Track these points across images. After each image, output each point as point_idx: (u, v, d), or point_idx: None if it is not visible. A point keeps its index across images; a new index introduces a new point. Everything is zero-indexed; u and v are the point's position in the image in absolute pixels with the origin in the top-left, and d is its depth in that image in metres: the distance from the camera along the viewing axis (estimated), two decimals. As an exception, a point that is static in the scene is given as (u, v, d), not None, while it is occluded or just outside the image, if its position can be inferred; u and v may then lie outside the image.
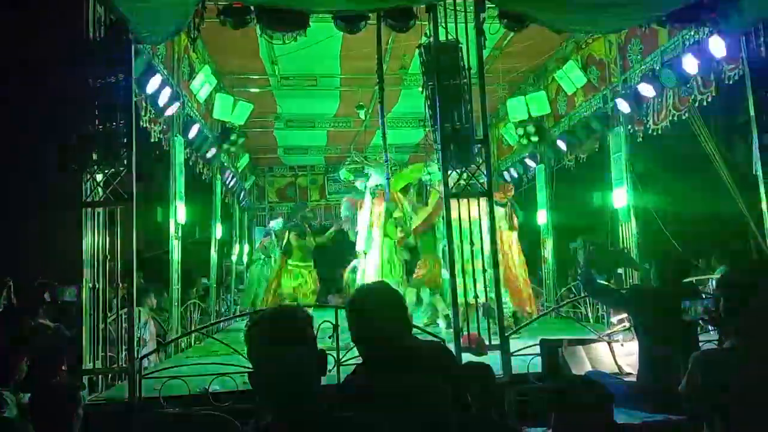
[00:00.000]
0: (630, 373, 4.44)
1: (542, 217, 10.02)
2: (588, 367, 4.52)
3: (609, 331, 5.37)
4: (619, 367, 4.63)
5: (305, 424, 1.48)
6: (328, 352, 1.87)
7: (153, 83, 6.13)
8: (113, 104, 4.74)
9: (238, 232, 12.68)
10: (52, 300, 6.80)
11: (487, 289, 5.11)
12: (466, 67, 5.15)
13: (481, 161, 5.14)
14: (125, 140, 4.73)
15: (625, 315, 5.34)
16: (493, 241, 5.27)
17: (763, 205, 5.33)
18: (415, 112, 10.37)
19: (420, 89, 5.55)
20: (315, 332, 1.67)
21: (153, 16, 4.83)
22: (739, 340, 2.45)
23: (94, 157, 4.72)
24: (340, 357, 4.55)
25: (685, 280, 4.56)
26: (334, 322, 4.78)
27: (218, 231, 9.88)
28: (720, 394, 2.35)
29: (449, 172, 5.08)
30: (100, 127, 4.71)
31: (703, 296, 4.83)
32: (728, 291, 2.55)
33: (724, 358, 2.49)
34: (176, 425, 4.03)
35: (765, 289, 2.45)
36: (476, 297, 4.84)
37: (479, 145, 5.15)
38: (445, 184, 5.07)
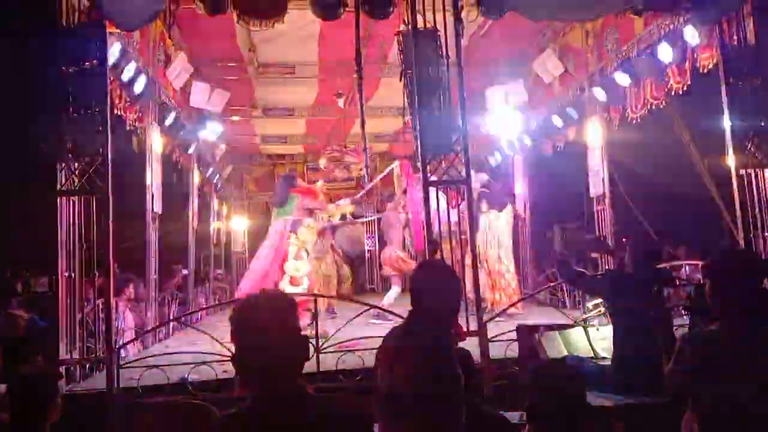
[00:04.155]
0: (605, 357, 4.52)
1: (519, 205, 10.10)
2: (564, 352, 4.59)
3: (584, 316, 5.45)
4: (594, 351, 4.71)
5: (287, 405, 1.49)
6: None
7: (128, 70, 6.04)
8: (88, 92, 4.68)
9: (216, 220, 12.57)
10: (23, 290, 6.72)
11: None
12: (445, 54, 5.16)
13: (459, 149, 5.16)
14: (100, 128, 4.68)
15: (600, 300, 5.42)
16: (472, 230, 5.32)
17: (735, 194, 5.41)
18: (395, 101, 10.30)
19: (399, 78, 5.53)
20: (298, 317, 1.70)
21: (128, 0, 4.76)
22: (725, 321, 2.53)
23: (69, 145, 4.67)
24: (319, 344, 4.61)
25: (659, 267, 4.64)
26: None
27: (196, 220, 9.79)
28: (709, 371, 2.43)
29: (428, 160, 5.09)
30: (75, 114, 4.66)
31: (677, 282, 4.93)
32: (718, 275, 2.63)
33: (712, 338, 2.56)
34: (154, 414, 4.02)
35: (749, 273, 2.58)
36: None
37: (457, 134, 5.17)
38: (424, 172, 5.09)
